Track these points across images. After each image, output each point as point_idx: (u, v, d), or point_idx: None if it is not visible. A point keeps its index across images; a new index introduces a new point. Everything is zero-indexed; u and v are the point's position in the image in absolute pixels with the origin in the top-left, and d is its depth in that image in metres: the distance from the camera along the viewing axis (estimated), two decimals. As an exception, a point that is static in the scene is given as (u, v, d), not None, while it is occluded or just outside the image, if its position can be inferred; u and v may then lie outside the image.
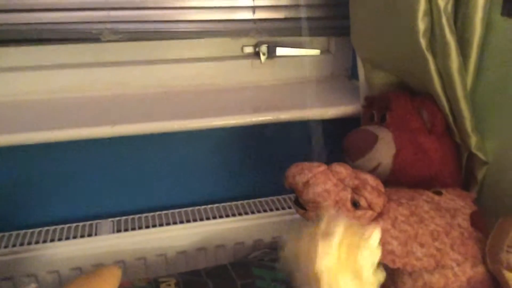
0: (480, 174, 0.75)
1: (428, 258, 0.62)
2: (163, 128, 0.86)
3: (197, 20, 0.94)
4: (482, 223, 0.68)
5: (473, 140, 0.73)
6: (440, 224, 0.65)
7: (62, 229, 0.92)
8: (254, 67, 1.04)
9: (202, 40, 1.01)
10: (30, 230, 0.91)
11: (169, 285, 0.74)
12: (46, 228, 0.92)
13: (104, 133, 0.83)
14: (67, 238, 0.89)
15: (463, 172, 0.78)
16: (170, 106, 0.93)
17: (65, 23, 0.87)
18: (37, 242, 0.88)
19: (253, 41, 1.03)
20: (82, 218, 0.95)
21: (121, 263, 0.87)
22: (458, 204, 0.69)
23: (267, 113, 0.91)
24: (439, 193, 0.71)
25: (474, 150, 0.74)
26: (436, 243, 0.63)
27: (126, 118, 0.86)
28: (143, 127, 0.85)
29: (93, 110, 0.90)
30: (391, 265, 0.62)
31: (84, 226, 0.93)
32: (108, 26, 0.89)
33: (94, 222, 0.94)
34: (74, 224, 0.93)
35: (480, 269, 0.63)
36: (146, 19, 0.91)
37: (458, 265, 0.63)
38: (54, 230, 0.91)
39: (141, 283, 0.75)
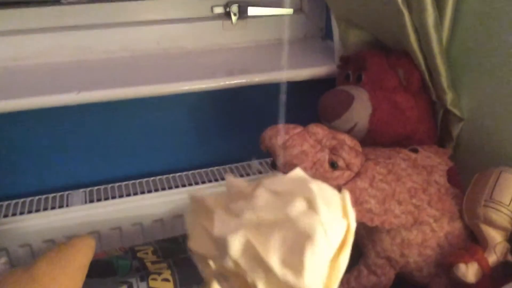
0: (455, 131, 0.75)
1: (406, 215, 0.62)
2: (131, 94, 0.83)
3: (163, -21, 0.90)
4: (458, 179, 0.69)
5: (449, 97, 0.73)
6: (417, 181, 0.65)
7: (32, 201, 0.89)
8: (225, 28, 1.00)
9: (168, 0, 0.96)
10: (-2, 204, 0.88)
11: (146, 253, 0.73)
12: (15, 200, 0.89)
13: (70, 100, 0.79)
14: (38, 210, 0.86)
15: (438, 129, 0.79)
16: (137, 71, 0.90)
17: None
18: (6, 216, 0.85)
19: (223, 0, 0.99)
20: (52, 189, 0.92)
21: (95, 234, 0.86)
22: (434, 161, 0.69)
23: (240, 76, 0.89)
24: (415, 151, 0.71)
25: (449, 107, 0.74)
26: (414, 200, 0.64)
27: (92, 84, 0.82)
28: (110, 94, 0.81)
29: (56, 77, 0.86)
30: (369, 224, 0.62)
31: (54, 197, 0.90)
32: (68, -14, 0.83)
33: (65, 193, 0.91)
34: (44, 196, 0.90)
35: (457, 224, 0.64)
36: (108, -22, 0.86)
37: (436, 221, 0.63)
38: (24, 203, 0.88)
39: (117, 253, 0.73)
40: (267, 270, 0.30)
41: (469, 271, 0.57)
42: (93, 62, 0.92)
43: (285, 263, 0.30)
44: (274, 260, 0.30)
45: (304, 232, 0.30)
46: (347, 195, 0.33)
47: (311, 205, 0.31)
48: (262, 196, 0.33)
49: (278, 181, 0.34)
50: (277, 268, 0.30)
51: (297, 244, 0.30)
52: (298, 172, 0.34)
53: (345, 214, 0.33)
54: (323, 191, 0.32)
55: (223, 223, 0.32)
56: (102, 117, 0.92)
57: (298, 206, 0.31)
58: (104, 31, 0.93)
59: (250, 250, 0.31)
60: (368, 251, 0.68)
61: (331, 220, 0.31)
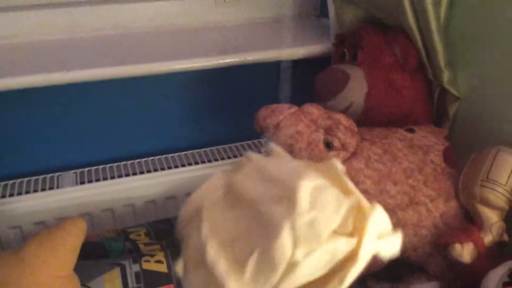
0: (452, 110, 0.75)
1: (402, 195, 0.62)
2: (122, 73, 0.81)
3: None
4: (455, 159, 0.68)
5: (446, 75, 0.72)
6: (413, 161, 0.65)
7: (21, 182, 0.88)
8: (217, 5, 0.98)
9: (160, -24, 0.94)
10: (-12, 185, 0.86)
11: (139, 235, 0.72)
12: (4, 182, 0.88)
13: (58, 79, 0.77)
14: (28, 192, 0.85)
15: (435, 109, 0.78)
16: (128, 49, 0.88)
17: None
18: (-5, 198, 0.83)
19: (215, -24, 0.97)
20: (42, 171, 0.91)
21: (87, 216, 0.84)
22: (430, 140, 0.68)
23: (233, 55, 0.87)
24: (411, 131, 0.70)
25: (446, 86, 0.73)
26: (409, 180, 0.63)
27: (81, 63, 0.80)
28: (100, 72, 0.79)
29: (44, 55, 0.83)
30: (365, 204, 0.61)
31: (45, 179, 0.89)
32: (55, -39, 0.81)
33: (56, 174, 0.90)
34: (34, 177, 0.89)
35: (453, 204, 0.63)
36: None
37: (431, 201, 0.63)
38: (13, 184, 0.87)
39: (109, 235, 0.72)
40: (203, 252, 0.27)
41: (465, 251, 0.57)
42: (83, 40, 0.90)
43: (226, 254, 0.26)
44: (212, 245, 0.26)
45: (264, 229, 0.25)
46: (375, 213, 0.27)
47: (289, 203, 0.25)
48: (250, 178, 0.30)
49: (279, 166, 0.30)
50: (212, 256, 0.26)
51: (250, 241, 0.25)
52: (334, 162, 0.31)
53: (356, 232, 0.27)
54: (317, 194, 0.26)
55: (198, 191, 0.31)
56: (93, 96, 0.91)
57: (272, 200, 0.26)
58: (95, 8, 0.91)
59: (197, 225, 0.28)
60: (363, 232, 0.68)
61: (309, 227, 0.25)
